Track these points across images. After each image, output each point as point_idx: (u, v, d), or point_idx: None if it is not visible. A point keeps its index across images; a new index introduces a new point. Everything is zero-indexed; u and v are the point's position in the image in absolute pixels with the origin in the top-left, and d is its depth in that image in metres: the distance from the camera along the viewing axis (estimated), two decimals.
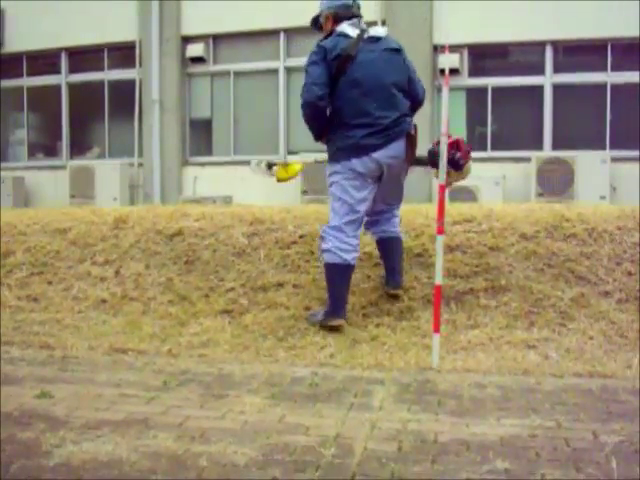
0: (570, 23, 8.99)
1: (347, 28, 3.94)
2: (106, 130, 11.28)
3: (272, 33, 10.25)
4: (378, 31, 4.05)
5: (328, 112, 3.96)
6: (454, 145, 3.79)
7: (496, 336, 3.78)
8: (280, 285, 4.41)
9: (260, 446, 2.40)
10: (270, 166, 4.86)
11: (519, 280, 4.20)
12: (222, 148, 10.68)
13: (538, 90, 9.45)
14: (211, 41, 10.59)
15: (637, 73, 8.89)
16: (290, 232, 4.82)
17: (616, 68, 9.13)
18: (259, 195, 8.87)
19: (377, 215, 4.16)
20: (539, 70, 9.43)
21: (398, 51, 4.02)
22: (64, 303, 4.54)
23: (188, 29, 10.59)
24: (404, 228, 4.48)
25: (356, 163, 3.85)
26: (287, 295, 4.31)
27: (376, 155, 3.85)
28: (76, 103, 11.49)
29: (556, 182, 8.70)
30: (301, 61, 9.93)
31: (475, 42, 9.44)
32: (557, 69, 9.40)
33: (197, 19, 10.46)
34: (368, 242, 4.45)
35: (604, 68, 9.18)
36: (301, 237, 4.76)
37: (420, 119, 4.39)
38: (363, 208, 3.94)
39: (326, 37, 4.01)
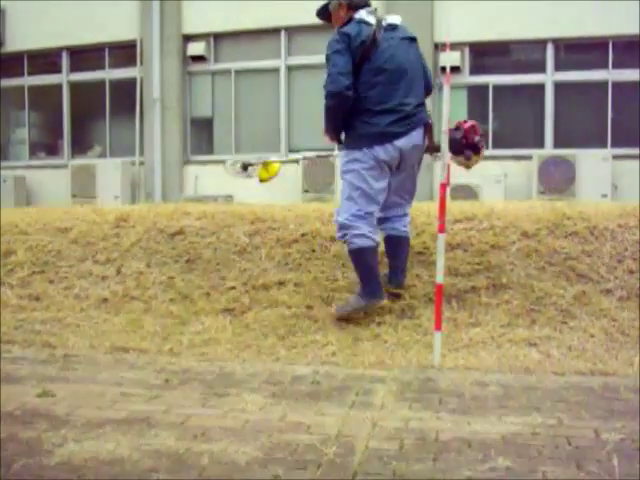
0: (571, 21, 8.99)
1: (367, 15, 3.89)
2: (107, 129, 11.29)
3: (273, 31, 10.25)
4: (395, 19, 4.02)
5: None
6: (472, 130, 3.80)
7: (497, 334, 3.78)
8: (281, 283, 4.41)
9: (261, 444, 2.40)
10: (245, 167, 4.82)
11: (520, 278, 4.19)
12: (223, 147, 10.67)
13: (539, 88, 9.45)
14: (212, 40, 10.59)
15: (638, 71, 8.88)
16: (291, 231, 4.81)
17: (617, 66, 9.12)
18: (260, 194, 8.85)
19: (389, 211, 4.09)
20: (540, 68, 9.43)
21: (413, 40, 4.04)
22: (65, 302, 4.54)
23: (189, 28, 10.59)
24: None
25: (379, 150, 3.82)
26: (288, 293, 4.31)
27: (399, 143, 3.83)
28: (77, 102, 11.50)
29: (558, 180, 8.70)
30: (302, 59, 10.18)
31: (476, 40, 9.43)
32: (558, 67, 9.39)
33: (198, 18, 10.47)
34: None
35: (605, 66, 9.17)
36: (302, 235, 4.76)
37: None
38: (381, 200, 3.93)
39: (342, 25, 3.90)
